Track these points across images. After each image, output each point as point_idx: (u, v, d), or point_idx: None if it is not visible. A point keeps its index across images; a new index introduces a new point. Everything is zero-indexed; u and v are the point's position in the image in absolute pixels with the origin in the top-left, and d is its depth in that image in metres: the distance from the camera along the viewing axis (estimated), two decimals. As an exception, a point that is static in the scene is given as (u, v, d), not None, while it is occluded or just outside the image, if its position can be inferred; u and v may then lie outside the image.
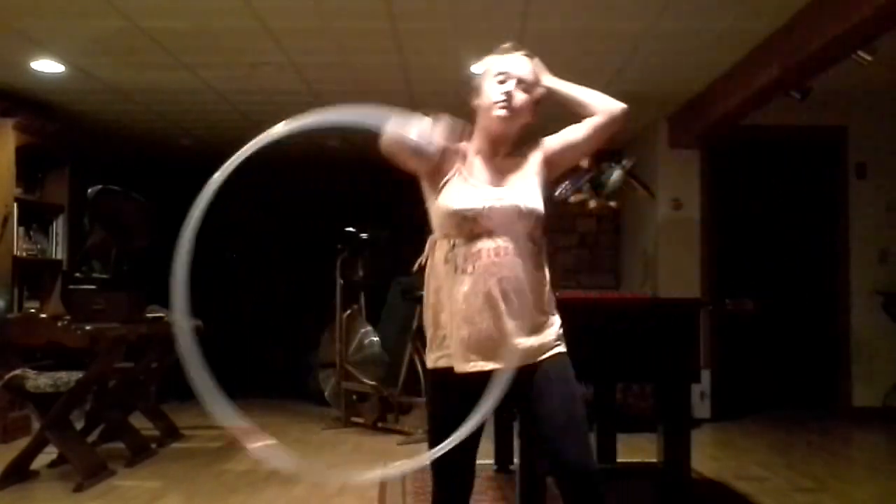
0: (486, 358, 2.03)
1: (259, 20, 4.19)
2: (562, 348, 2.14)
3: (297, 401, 7.10)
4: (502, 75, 2.16)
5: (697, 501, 3.92)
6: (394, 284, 6.57)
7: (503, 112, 2.14)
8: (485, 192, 2.10)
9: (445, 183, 2.14)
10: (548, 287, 2.16)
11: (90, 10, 4.06)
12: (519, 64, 2.18)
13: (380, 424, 5.92)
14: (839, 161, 6.46)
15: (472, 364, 2.04)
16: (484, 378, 1.97)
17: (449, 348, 2.11)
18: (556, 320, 2.16)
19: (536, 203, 2.12)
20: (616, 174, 5.46)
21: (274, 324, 8.41)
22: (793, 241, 6.88)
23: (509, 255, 2.05)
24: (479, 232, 2.06)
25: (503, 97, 2.14)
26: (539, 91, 2.21)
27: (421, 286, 2.20)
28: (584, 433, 2.09)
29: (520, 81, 2.15)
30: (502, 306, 2.03)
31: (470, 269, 2.05)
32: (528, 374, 2.05)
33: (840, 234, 6.45)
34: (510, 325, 2.03)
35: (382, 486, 4.15)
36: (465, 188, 2.11)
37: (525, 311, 2.05)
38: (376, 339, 6.37)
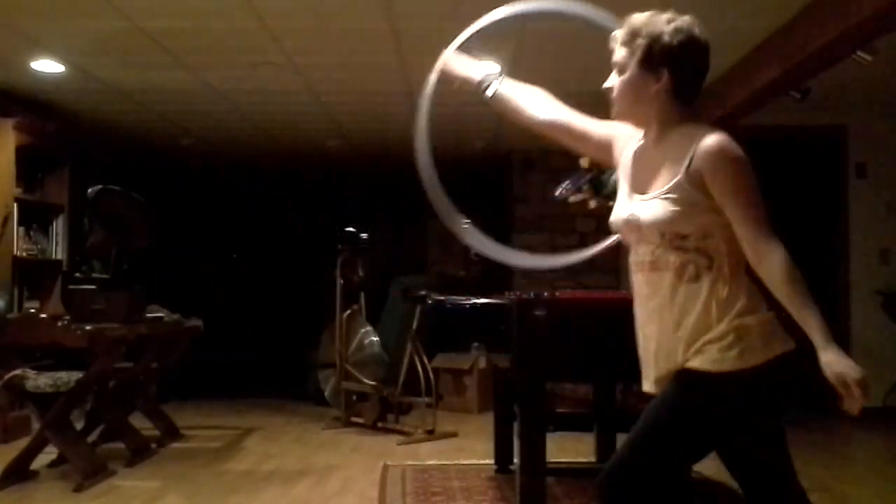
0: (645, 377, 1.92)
1: (259, 20, 4.19)
2: (697, 363, 1.79)
3: (297, 401, 7.10)
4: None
5: (697, 501, 3.92)
6: (394, 284, 6.57)
7: (612, 111, 1.95)
8: (625, 203, 1.90)
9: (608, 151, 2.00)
10: (713, 299, 1.80)
11: (90, 10, 4.06)
12: (615, 44, 1.94)
13: (380, 424, 5.92)
14: (839, 161, 6.46)
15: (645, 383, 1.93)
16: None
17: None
18: (721, 328, 1.81)
19: (662, 213, 1.78)
20: (616, 174, 5.46)
21: (274, 324, 8.42)
22: (793, 242, 6.86)
23: (644, 270, 1.85)
24: (628, 244, 1.91)
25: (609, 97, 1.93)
26: (648, 58, 1.84)
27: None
28: (636, 450, 1.84)
29: (614, 63, 1.92)
30: (645, 327, 1.88)
31: (631, 280, 1.93)
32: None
33: (840, 234, 6.45)
34: (653, 346, 1.86)
35: (382, 485, 4.15)
36: (619, 196, 1.94)
37: (664, 334, 1.83)
38: (376, 339, 6.38)
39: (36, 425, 4.63)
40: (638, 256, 1.86)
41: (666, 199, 1.78)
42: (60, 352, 4.46)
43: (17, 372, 4.23)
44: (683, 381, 1.80)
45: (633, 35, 1.86)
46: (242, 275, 8.90)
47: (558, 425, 5.05)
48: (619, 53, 1.89)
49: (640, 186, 1.87)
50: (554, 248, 7.61)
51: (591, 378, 4.23)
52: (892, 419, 6.00)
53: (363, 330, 6.44)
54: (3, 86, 5.44)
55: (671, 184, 1.78)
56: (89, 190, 4.70)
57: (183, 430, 5.52)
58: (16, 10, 4.10)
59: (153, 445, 5.02)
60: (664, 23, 1.86)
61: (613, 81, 1.90)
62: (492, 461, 4.42)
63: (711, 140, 1.79)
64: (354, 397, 6.21)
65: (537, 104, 2.08)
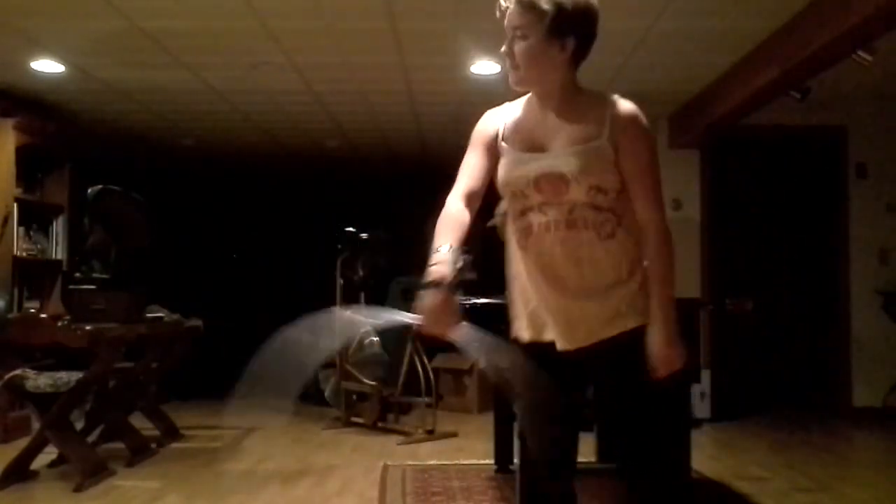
0: (558, 335, 1.90)
1: (259, 20, 4.19)
2: (631, 321, 1.87)
3: (297, 401, 7.09)
4: (505, 28, 1.89)
5: (697, 501, 3.92)
6: (394, 284, 6.57)
7: (511, 78, 1.90)
8: (531, 161, 1.87)
9: (497, 157, 1.96)
10: (624, 256, 1.88)
11: (90, 10, 4.06)
12: (511, 12, 1.87)
13: (380, 424, 5.92)
14: (839, 161, 6.46)
15: (533, 334, 1.94)
16: (550, 349, 1.90)
17: (521, 320, 1.98)
18: (631, 286, 1.88)
19: (588, 167, 1.81)
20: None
21: (274, 324, 8.42)
22: (793, 242, 6.87)
23: (560, 230, 1.84)
24: (529, 205, 1.87)
25: (506, 62, 1.90)
26: (556, 25, 1.82)
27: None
28: (654, 433, 1.91)
29: (514, 30, 1.86)
30: (550, 284, 1.87)
31: (524, 243, 1.89)
32: (594, 354, 1.90)
33: (840, 234, 6.45)
34: (564, 300, 1.87)
35: (382, 485, 4.15)
36: (512, 157, 1.90)
37: (585, 288, 1.86)
38: (376, 339, 6.37)
39: (36, 425, 4.63)
40: (547, 216, 1.85)
41: (590, 150, 1.82)
42: (60, 352, 4.46)
43: (17, 372, 4.23)
44: (634, 344, 1.86)
45: (533, 3, 1.83)
46: (242, 275, 8.90)
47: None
48: (520, 18, 1.84)
49: (539, 145, 1.88)
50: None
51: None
52: (892, 419, 6.01)
53: (363, 330, 6.44)
54: (3, 86, 5.44)
55: (595, 138, 1.83)
56: (89, 190, 4.70)
57: (183, 430, 5.52)
58: (16, 10, 4.10)
59: (153, 445, 5.02)
60: None
61: (515, 47, 1.86)
62: (492, 461, 4.42)
63: (630, 107, 1.88)
64: (354, 397, 6.21)
65: (466, 215, 1.95)
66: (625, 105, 1.88)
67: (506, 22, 1.87)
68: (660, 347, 1.84)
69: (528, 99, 1.97)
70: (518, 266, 1.95)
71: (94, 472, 4.20)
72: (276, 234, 8.97)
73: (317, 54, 4.78)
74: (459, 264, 1.81)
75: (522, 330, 1.98)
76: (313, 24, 4.29)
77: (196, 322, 5.42)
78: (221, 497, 4.00)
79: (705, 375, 6.01)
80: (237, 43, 4.59)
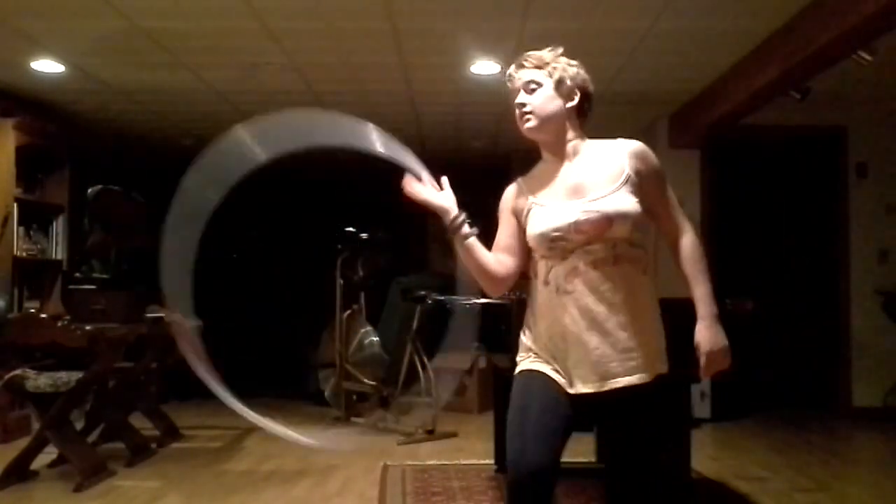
0: (602, 378, 1.96)
1: (259, 20, 4.19)
2: (659, 368, 2.01)
3: (297, 401, 7.09)
4: (511, 86, 2.09)
5: (697, 501, 3.92)
6: (394, 284, 6.57)
7: (528, 124, 2.06)
8: (568, 206, 1.99)
9: (527, 215, 2.06)
10: (656, 294, 2.06)
11: (90, 10, 4.06)
12: (522, 69, 2.08)
13: (380, 424, 5.92)
14: (839, 161, 6.46)
15: (589, 385, 1.97)
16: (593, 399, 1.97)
17: (539, 356, 2.05)
18: (656, 338, 2.03)
19: (627, 205, 1.96)
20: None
21: (274, 324, 8.42)
22: (793, 241, 6.88)
23: (608, 266, 1.96)
24: (570, 248, 1.97)
25: (518, 115, 2.07)
26: (564, 79, 2.05)
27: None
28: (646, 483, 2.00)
29: (527, 84, 2.06)
30: (607, 322, 1.95)
31: (570, 287, 1.97)
32: (614, 398, 1.97)
33: (840, 234, 6.45)
34: (618, 340, 1.96)
35: (382, 485, 4.15)
36: (546, 208, 2.02)
37: (623, 323, 1.96)
38: (376, 339, 6.38)
39: (36, 425, 4.63)
40: (592, 255, 1.95)
41: (624, 191, 1.98)
42: (60, 352, 4.46)
43: (17, 372, 4.23)
44: (652, 394, 1.97)
45: (543, 63, 2.06)
46: (243, 275, 8.90)
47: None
48: (533, 74, 2.05)
49: (569, 193, 2.01)
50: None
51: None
52: (892, 419, 6.01)
53: (363, 330, 6.45)
54: (3, 86, 5.44)
55: (623, 178, 1.99)
56: (89, 190, 4.71)
57: (183, 430, 5.52)
58: (16, 10, 4.10)
59: (153, 445, 5.02)
60: (555, 51, 2.09)
61: (528, 97, 2.05)
62: (492, 461, 4.42)
63: (637, 144, 2.06)
64: (354, 397, 6.21)
65: (496, 265, 2.10)
66: (633, 142, 2.07)
67: (517, 85, 2.06)
68: (713, 344, 2.00)
69: (543, 162, 2.12)
70: (554, 314, 2.00)
71: (94, 472, 4.20)
72: (277, 234, 8.98)
73: (317, 54, 4.78)
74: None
75: (541, 363, 2.04)
76: (313, 24, 4.29)
77: (196, 322, 5.41)
78: (221, 497, 4.01)
79: (705, 375, 6.01)
80: (237, 43, 4.59)
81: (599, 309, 1.94)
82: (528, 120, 2.04)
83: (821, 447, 5.38)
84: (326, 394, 6.57)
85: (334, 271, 6.30)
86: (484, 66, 4.91)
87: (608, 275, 1.95)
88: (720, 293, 7.16)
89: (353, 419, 6.05)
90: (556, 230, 1.97)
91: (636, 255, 2.00)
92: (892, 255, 6.37)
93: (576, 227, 1.95)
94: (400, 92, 5.56)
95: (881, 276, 6.33)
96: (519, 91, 2.06)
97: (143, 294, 4.85)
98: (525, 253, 2.10)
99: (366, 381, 5.98)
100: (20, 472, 4.21)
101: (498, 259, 2.09)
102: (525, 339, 2.10)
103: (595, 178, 2.01)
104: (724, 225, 6.58)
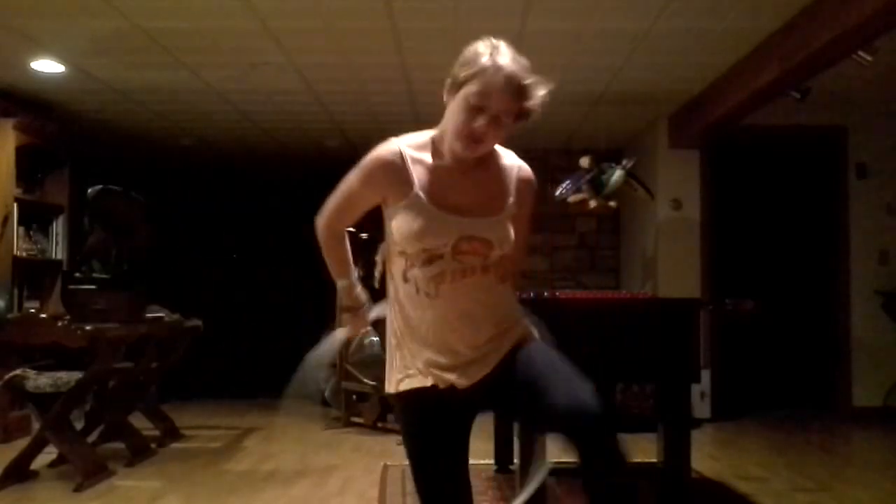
0: (459, 374, 1.92)
1: (259, 20, 4.19)
2: (524, 332, 1.98)
3: (297, 401, 7.09)
4: (479, 101, 1.82)
5: (697, 501, 3.92)
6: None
7: (465, 148, 1.86)
8: (452, 224, 1.87)
9: (403, 206, 1.90)
10: (512, 297, 2.04)
11: (90, 10, 4.06)
12: (504, 94, 1.82)
13: (380, 424, 5.92)
14: (839, 161, 6.46)
15: (434, 380, 1.93)
16: (457, 393, 1.93)
17: (410, 368, 1.97)
18: (521, 320, 2.01)
19: (507, 232, 1.92)
20: (616, 174, 5.46)
21: (274, 324, 8.41)
22: (793, 242, 6.88)
23: (476, 275, 1.90)
24: (439, 254, 1.88)
25: (470, 135, 1.84)
26: (523, 116, 1.88)
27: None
28: (575, 378, 1.88)
29: (496, 118, 1.83)
30: (467, 328, 1.90)
31: (433, 291, 1.89)
32: (501, 369, 1.92)
33: (840, 235, 6.46)
34: (477, 340, 1.91)
35: (382, 485, 4.15)
36: (430, 214, 1.87)
37: (489, 326, 1.92)
38: (376, 339, 6.37)
39: (36, 425, 4.63)
40: (463, 264, 1.89)
41: (507, 219, 1.94)
42: (60, 352, 4.46)
43: (17, 372, 4.23)
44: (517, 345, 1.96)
45: (521, 94, 1.84)
46: (242, 275, 8.90)
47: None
48: (509, 104, 1.84)
49: (460, 208, 1.89)
50: (553, 248, 7.62)
51: (591, 378, 4.22)
52: (892, 419, 6.01)
53: (363, 330, 6.44)
54: (3, 86, 5.44)
55: (507, 208, 1.94)
56: (89, 190, 4.70)
57: (183, 430, 5.52)
58: (16, 10, 4.10)
59: (153, 445, 5.02)
60: (541, 88, 1.88)
61: (493, 129, 1.85)
62: (492, 461, 4.42)
63: (528, 171, 2.02)
64: (354, 397, 6.21)
65: (344, 238, 2.24)
66: (525, 170, 2.01)
67: (491, 100, 1.82)
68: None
69: (435, 148, 1.95)
70: (418, 313, 1.93)
71: (94, 472, 4.20)
72: (276, 233, 8.97)
73: (317, 54, 4.78)
74: (359, 286, 2.22)
75: (415, 378, 1.96)
76: (313, 24, 4.29)
77: (196, 322, 5.42)
78: (221, 497, 4.01)
79: (705, 375, 6.01)
80: (237, 43, 4.59)
81: (465, 316, 1.90)
82: (474, 149, 1.87)
83: (821, 447, 5.38)
84: (326, 394, 6.57)
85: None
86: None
87: (474, 284, 1.90)
88: (720, 293, 7.22)
89: (353, 419, 6.05)
90: (432, 242, 1.87)
91: (503, 265, 1.95)
92: (893, 256, 6.37)
93: (454, 246, 1.86)
94: (400, 92, 5.56)
95: (881, 276, 6.33)
96: (483, 112, 1.82)
97: (143, 294, 4.85)
98: (358, 217, 2.12)
99: (366, 381, 5.98)
100: (20, 472, 4.21)
101: (336, 235, 2.19)
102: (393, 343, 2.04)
103: (484, 198, 1.92)
104: (723, 225, 6.59)
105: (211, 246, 8.85)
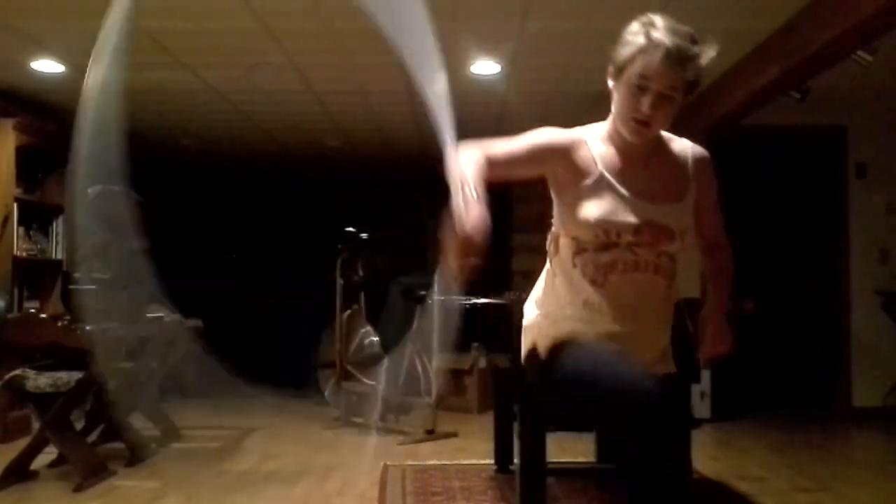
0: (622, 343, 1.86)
1: (259, 20, 4.19)
2: (672, 367, 2.01)
3: (298, 401, 7.09)
4: (646, 80, 1.77)
5: (697, 501, 3.92)
6: (394, 284, 6.56)
7: (636, 132, 1.83)
8: (639, 207, 1.84)
9: (586, 187, 1.85)
10: (674, 301, 2.01)
11: (90, 10, 4.04)
12: (665, 70, 1.76)
13: (380, 424, 5.92)
14: (839, 161, 6.46)
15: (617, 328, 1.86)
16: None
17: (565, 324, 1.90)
18: (669, 333, 2.01)
19: (689, 222, 1.92)
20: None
21: (274, 323, 8.42)
22: (793, 241, 6.87)
23: (648, 272, 1.87)
24: (618, 243, 1.84)
25: (640, 115, 1.80)
26: (696, 83, 1.84)
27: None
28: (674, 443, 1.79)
29: (662, 95, 1.78)
30: (632, 324, 1.86)
31: (601, 280, 1.85)
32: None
33: (840, 234, 6.45)
34: (632, 334, 1.88)
35: (382, 485, 4.15)
36: (617, 195, 1.84)
37: (654, 333, 1.93)
38: (376, 339, 6.38)
39: (36, 425, 4.63)
40: (636, 256, 1.85)
41: (689, 206, 1.93)
42: (60, 352, 4.46)
43: (17, 372, 4.23)
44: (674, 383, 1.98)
45: (684, 65, 1.78)
46: (242, 275, 8.90)
47: (558, 425, 5.05)
48: (675, 79, 1.77)
49: (644, 193, 1.87)
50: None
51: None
52: (892, 419, 6.01)
53: (363, 330, 6.44)
54: (3, 86, 5.44)
55: (690, 193, 1.93)
56: (89, 190, 4.70)
57: (183, 430, 5.52)
58: (16, 10, 4.10)
59: (153, 445, 5.02)
60: (706, 54, 1.85)
61: (661, 108, 1.78)
62: (492, 461, 4.42)
63: (704, 153, 2.02)
64: (354, 397, 6.21)
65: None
66: (699, 150, 2.01)
67: (652, 79, 1.77)
68: (715, 324, 1.99)
69: (611, 137, 1.90)
70: (581, 297, 1.88)
71: (94, 472, 4.19)
72: (276, 233, 8.97)
73: (317, 54, 4.78)
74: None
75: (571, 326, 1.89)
76: (313, 24, 4.29)
77: (196, 322, 5.42)
78: (221, 497, 4.00)
79: (705, 375, 6.01)
80: (237, 43, 4.59)
81: (629, 307, 1.87)
82: (642, 133, 1.82)
83: (821, 447, 5.38)
84: (326, 394, 6.57)
85: (334, 271, 6.30)
86: (484, 66, 4.91)
87: (643, 281, 1.87)
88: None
89: (353, 419, 6.05)
90: (615, 226, 1.81)
91: (671, 268, 1.94)
92: (893, 255, 6.37)
93: (636, 231, 1.82)
94: (400, 92, 5.56)
95: (881, 276, 6.33)
96: (647, 92, 1.77)
97: (143, 294, 4.85)
98: (511, 175, 1.88)
99: (366, 381, 5.98)
100: (20, 472, 4.20)
101: (485, 161, 1.78)
102: (542, 314, 1.95)
103: (665, 185, 1.89)
104: (723, 225, 6.57)
105: (211, 245, 8.86)
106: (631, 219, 1.82)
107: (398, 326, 6.13)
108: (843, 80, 5.18)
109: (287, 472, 4.52)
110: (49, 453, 4.38)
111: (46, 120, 5.93)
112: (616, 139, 1.90)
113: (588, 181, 1.85)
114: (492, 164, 1.80)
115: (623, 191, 1.84)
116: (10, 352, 4.30)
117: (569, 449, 4.59)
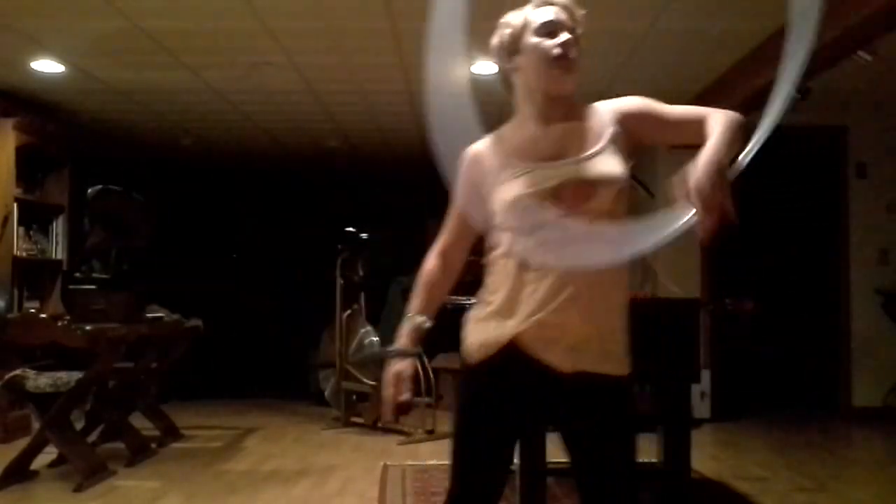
0: (544, 348, 1.70)
1: (259, 20, 4.19)
2: (625, 368, 1.76)
3: (297, 401, 7.10)
4: (549, 25, 1.77)
5: (697, 501, 3.92)
6: (394, 284, 6.56)
7: (563, 69, 1.75)
8: (548, 174, 1.71)
9: (495, 180, 1.77)
10: (624, 277, 1.81)
11: (90, 10, 4.06)
12: (561, 8, 1.80)
13: (380, 424, 5.92)
14: (839, 161, 6.46)
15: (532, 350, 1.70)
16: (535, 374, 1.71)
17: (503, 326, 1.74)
18: (625, 325, 1.78)
19: (617, 168, 1.72)
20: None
21: (274, 323, 8.42)
22: (793, 241, 6.88)
23: (580, 244, 1.68)
24: (542, 220, 1.68)
25: (560, 50, 1.75)
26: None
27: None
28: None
29: (572, 37, 1.76)
30: (575, 305, 1.68)
31: (534, 264, 1.69)
32: (584, 388, 1.71)
33: (840, 234, 6.45)
34: (583, 326, 1.70)
35: (382, 485, 4.15)
36: (520, 176, 1.73)
37: (601, 313, 1.71)
38: (376, 339, 6.37)
39: (36, 425, 4.63)
40: (565, 231, 1.67)
41: (609, 152, 1.74)
42: (60, 352, 4.46)
43: (17, 372, 4.23)
44: (621, 398, 1.77)
45: (571, 12, 1.82)
46: (242, 275, 8.90)
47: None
48: (570, 16, 1.80)
49: (555, 156, 1.74)
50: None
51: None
52: (892, 419, 6.01)
53: (363, 330, 6.44)
54: (3, 86, 5.44)
55: (608, 136, 1.76)
56: (89, 190, 4.71)
57: (183, 430, 5.52)
58: (16, 10, 4.10)
59: (153, 445, 5.02)
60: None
61: (571, 47, 1.77)
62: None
63: (628, 98, 1.86)
64: (354, 397, 6.21)
65: (439, 275, 1.92)
66: (624, 99, 1.87)
67: (555, 21, 1.78)
68: (705, 173, 1.64)
69: (514, 125, 1.86)
70: (516, 288, 1.73)
71: (94, 472, 4.20)
72: (276, 234, 8.97)
73: (317, 54, 4.78)
74: (425, 327, 1.90)
75: (509, 332, 1.73)
76: (313, 24, 4.29)
77: (196, 322, 5.42)
78: (221, 497, 4.01)
79: (705, 375, 6.01)
80: (237, 43, 4.59)
81: (569, 289, 1.67)
82: (568, 69, 1.76)
83: (821, 447, 5.38)
84: (326, 394, 6.57)
85: (334, 271, 6.30)
86: (484, 66, 4.91)
87: (580, 252, 1.67)
88: (720, 293, 7.19)
89: (353, 419, 6.05)
90: (530, 197, 1.69)
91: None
92: (893, 255, 6.37)
93: (553, 193, 1.68)
94: (400, 92, 5.56)
95: (881, 276, 6.33)
96: (554, 33, 1.76)
97: (143, 294, 4.85)
98: (473, 234, 1.86)
99: (366, 381, 5.98)
100: (20, 472, 4.21)
101: (446, 263, 1.88)
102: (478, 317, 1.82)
103: (582, 138, 1.76)
104: (723, 225, 6.58)
105: (211, 245, 8.86)
106: (542, 183, 1.70)
107: (398, 326, 6.12)
108: (843, 80, 5.18)
109: (287, 472, 4.52)
110: (49, 453, 4.39)
111: (46, 120, 5.93)
112: (525, 118, 1.83)
113: (494, 174, 1.77)
114: (447, 253, 1.89)
115: (530, 164, 1.74)
116: (10, 352, 4.31)
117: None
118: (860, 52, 4.05)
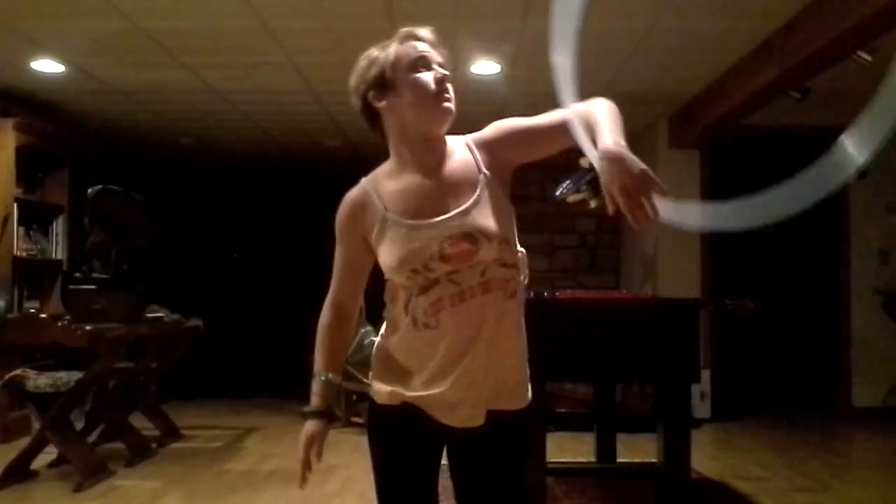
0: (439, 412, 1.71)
1: (259, 20, 4.19)
2: (522, 402, 1.75)
3: (298, 401, 7.09)
4: (423, 61, 1.69)
5: (697, 501, 3.92)
6: (394, 284, 6.55)
7: (445, 112, 1.68)
8: (429, 229, 1.64)
9: (378, 236, 1.70)
10: (521, 320, 1.74)
11: (90, 10, 4.06)
12: (426, 44, 1.74)
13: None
14: (839, 161, 6.46)
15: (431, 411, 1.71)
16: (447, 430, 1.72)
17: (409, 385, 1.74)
18: (521, 370, 1.75)
19: (493, 222, 1.64)
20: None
21: (274, 324, 8.42)
22: (793, 241, 6.88)
23: (477, 295, 1.62)
24: (434, 278, 1.63)
25: (441, 86, 1.67)
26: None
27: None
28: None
29: (444, 73, 1.70)
30: (475, 363, 1.65)
31: (433, 322, 1.64)
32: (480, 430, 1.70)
33: (840, 234, 6.46)
34: (485, 382, 1.67)
35: (382, 486, 4.14)
36: (404, 228, 1.66)
37: (502, 358, 1.68)
38: (376, 338, 6.37)
39: (36, 425, 4.63)
40: (460, 286, 1.63)
41: (483, 196, 1.66)
42: (60, 352, 4.46)
43: (17, 372, 4.23)
44: (516, 427, 1.76)
45: (438, 48, 1.76)
46: (242, 275, 8.91)
47: (558, 425, 5.05)
48: (438, 53, 1.73)
49: (437, 208, 1.66)
50: (553, 248, 7.63)
51: (591, 378, 4.23)
52: (892, 419, 6.01)
53: (363, 330, 6.43)
54: (3, 86, 5.44)
55: (480, 186, 1.67)
56: (89, 190, 4.71)
57: (183, 430, 5.52)
58: (16, 10, 4.10)
59: (153, 445, 5.02)
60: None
61: (446, 84, 1.69)
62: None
63: (478, 134, 1.75)
64: (354, 397, 6.21)
65: (337, 332, 1.94)
66: (474, 136, 1.76)
67: (424, 57, 1.71)
68: (609, 145, 1.57)
69: (391, 170, 1.76)
70: (414, 346, 1.72)
71: (94, 472, 4.20)
72: (276, 234, 8.97)
73: (317, 54, 4.78)
74: (335, 383, 1.87)
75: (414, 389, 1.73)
76: (313, 24, 4.29)
77: (196, 322, 5.42)
78: (221, 497, 4.01)
79: (705, 375, 6.01)
80: (237, 43, 4.59)
81: (468, 353, 1.64)
82: (449, 110, 1.68)
83: (821, 447, 5.38)
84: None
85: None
86: (484, 66, 4.91)
87: (476, 306, 1.62)
88: (720, 293, 7.19)
89: (353, 419, 6.05)
90: (416, 259, 1.63)
91: (507, 276, 1.66)
92: (893, 256, 6.37)
93: (441, 255, 1.61)
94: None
95: (881, 276, 6.33)
96: (429, 68, 1.68)
97: (143, 294, 4.85)
98: (365, 280, 1.85)
99: (366, 381, 5.97)
100: (20, 472, 4.21)
101: (342, 315, 1.87)
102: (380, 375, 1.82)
103: (456, 190, 1.67)
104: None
105: (211, 246, 8.86)
106: (427, 242, 1.62)
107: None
108: (843, 80, 5.18)
109: (287, 472, 4.52)
110: (49, 453, 4.39)
111: (46, 120, 5.93)
112: (402, 163, 1.74)
113: (377, 229, 1.70)
114: (341, 305, 1.89)
115: (410, 222, 1.66)
116: (10, 352, 4.31)
117: (569, 449, 4.59)
118: (860, 52, 4.05)
